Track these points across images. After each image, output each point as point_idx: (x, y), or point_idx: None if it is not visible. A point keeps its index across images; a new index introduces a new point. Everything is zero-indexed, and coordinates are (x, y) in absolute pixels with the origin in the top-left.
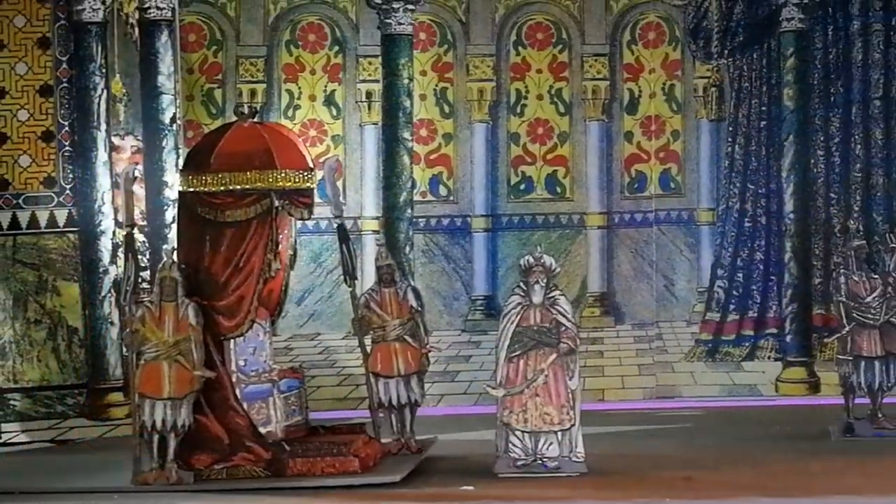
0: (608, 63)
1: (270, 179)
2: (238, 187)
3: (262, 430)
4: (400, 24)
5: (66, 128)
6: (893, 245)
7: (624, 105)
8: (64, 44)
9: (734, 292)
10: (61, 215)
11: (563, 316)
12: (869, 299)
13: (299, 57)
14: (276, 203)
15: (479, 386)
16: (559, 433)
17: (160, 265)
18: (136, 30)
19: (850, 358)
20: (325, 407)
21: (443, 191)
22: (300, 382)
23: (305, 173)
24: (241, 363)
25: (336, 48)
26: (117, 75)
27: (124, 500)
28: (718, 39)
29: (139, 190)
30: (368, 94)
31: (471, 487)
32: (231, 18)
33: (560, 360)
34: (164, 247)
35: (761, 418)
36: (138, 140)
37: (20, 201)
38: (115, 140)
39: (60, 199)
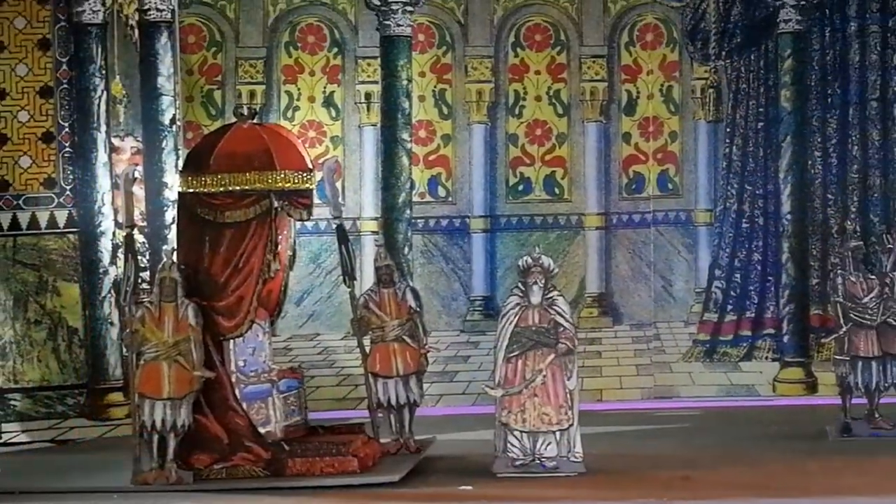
0: (606, 64)
1: (270, 180)
2: (237, 188)
3: (262, 430)
4: (399, 25)
5: (67, 129)
6: (890, 246)
7: (622, 106)
8: (64, 45)
9: (732, 293)
10: (61, 216)
11: (562, 316)
12: (866, 300)
13: (298, 58)
14: (276, 204)
15: (477, 386)
16: (557, 433)
17: (160, 266)
18: (136, 31)
19: (848, 358)
20: (325, 407)
21: (441, 192)
22: (299, 383)
23: (305, 174)
24: (241, 363)
25: (335, 50)
26: (117, 77)
27: (124, 500)
28: (716, 41)
29: (139, 191)
30: (367, 96)
31: (469, 487)
32: (230, 20)
33: (558, 360)
34: (164, 247)
35: (759, 418)
36: (138, 141)
37: (20, 202)
38: (115, 141)
39: (60, 200)
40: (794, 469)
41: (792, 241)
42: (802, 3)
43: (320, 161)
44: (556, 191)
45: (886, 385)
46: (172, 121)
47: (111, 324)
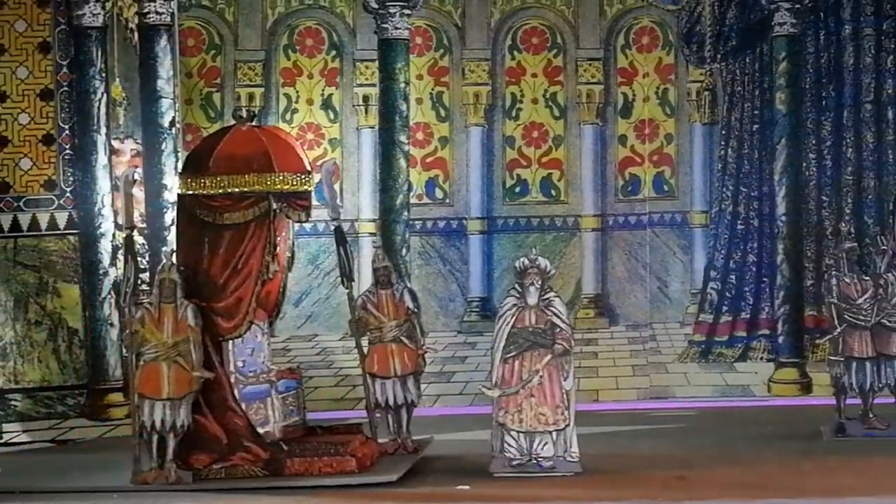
0: (602, 67)
1: (268, 182)
2: (236, 190)
3: (261, 430)
4: (396, 28)
5: (67, 131)
6: (884, 247)
7: (618, 109)
8: (64, 48)
9: (727, 294)
10: (62, 218)
11: (558, 317)
12: (860, 301)
13: (297, 61)
14: (274, 206)
15: (474, 387)
16: (554, 433)
17: (159, 267)
18: (136, 34)
19: (842, 359)
20: (323, 407)
21: (439, 193)
22: (298, 383)
23: (303, 176)
24: (240, 364)
25: (333, 52)
26: (117, 79)
27: (124, 500)
28: (711, 44)
29: (139, 193)
30: (365, 98)
31: (467, 487)
32: (229, 23)
33: (555, 360)
34: (164, 249)
35: (754, 418)
36: (138, 143)
37: (21, 204)
38: (115, 143)
39: (61, 201)
40: (789, 469)
41: (787, 243)
42: (797, 6)
43: (319, 163)
44: (553, 193)
45: (880, 385)
46: (172, 123)
47: (111, 325)
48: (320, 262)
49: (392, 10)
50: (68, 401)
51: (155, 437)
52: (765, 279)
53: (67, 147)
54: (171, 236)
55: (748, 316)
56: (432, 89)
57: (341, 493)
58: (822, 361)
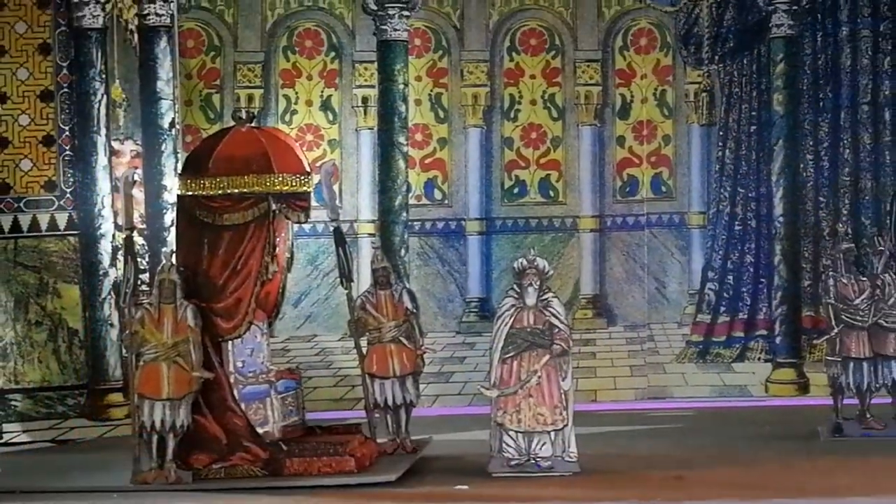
0: (600, 69)
1: (268, 183)
2: (236, 191)
3: (260, 430)
4: (395, 30)
5: (67, 132)
6: (881, 248)
7: (616, 110)
8: (64, 50)
9: (725, 294)
10: (62, 219)
11: (556, 318)
12: (857, 301)
13: (296, 62)
14: (274, 206)
15: (473, 387)
16: (552, 433)
17: (159, 268)
18: (136, 36)
19: (839, 359)
20: (322, 407)
21: (437, 194)
22: (297, 383)
23: (302, 177)
24: (239, 364)
25: (332, 54)
26: (117, 81)
27: (124, 500)
28: (709, 45)
29: (138, 194)
30: (364, 100)
31: (465, 487)
32: (229, 25)
33: (553, 361)
34: (163, 250)
35: (751, 419)
36: (138, 144)
37: (21, 205)
38: (115, 144)
39: (61, 202)
40: (787, 469)
41: (784, 244)
42: (794, 7)
43: (318, 164)
44: (551, 194)
45: (877, 386)
46: (171, 124)
47: (111, 325)
48: (319, 263)
49: (391, 12)
50: (68, 401)
51: (155, 437)
52: (762, 280)
53: (67, 148)
54: (171, 237)
55: (746, 316)
56: (431, 90)
57: (340, 493)
58: (820, 362)
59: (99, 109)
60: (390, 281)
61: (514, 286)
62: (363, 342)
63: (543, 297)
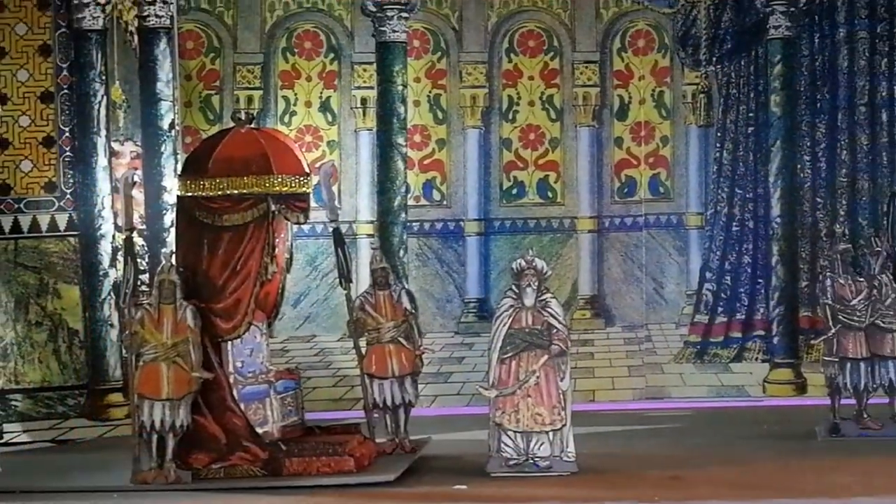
0: (598, 70)
1: (267, 184)
2: (235, 192)
3: (259, 430)
4: (394, 31)
5: (67, 133)
6: (878, 248)
7: (614, 111)
8: (64, 51)
9: (722, 295)
10: (62, 219)
11: (555, 318)
12: (854, 302)
13: (295, 64)
14: (273, 207)
15: (471, 387)
16: (550, 433)
17: (159, 268)
18: (136, 37)
19: (836, 359)
20: (321, 407)
21: (436, 195)
22: (296, 383)
23: (301, 178)
24: (239, 364)
25: (331, 55)
26: (117, 82)
27: (124, 499)
28: (707, 47)
29: (138, 194)
30: (363, 101)
31: (464, 486)
32: (228, 26)
33: (551, 361)
34: (163, 250)
35: (749, 419)
36: (137, 145)
37: (22, 205)
38: (115, 145)
39: (61, 203)
40: (784, 469)
41: (781, 244)
42: (792, 9)
43: (317, 165)
44: (549, 194)
45: (874, 386)
46: (171, 125)
47: (111, 325)
48: (318, 264)
49: (390, 14)
50: (68, 401)
51: (154, 437)
52: (760, 280)
53: (68, 149)
54: (171, 238)
55: (743, 317)
56: (430, 92)
57: (339, 493)
58: (817, 362)
59: (99, 111)
60: (389, 281)
61: (513, 287)
62: (362, 342)
63: (542, 298)
